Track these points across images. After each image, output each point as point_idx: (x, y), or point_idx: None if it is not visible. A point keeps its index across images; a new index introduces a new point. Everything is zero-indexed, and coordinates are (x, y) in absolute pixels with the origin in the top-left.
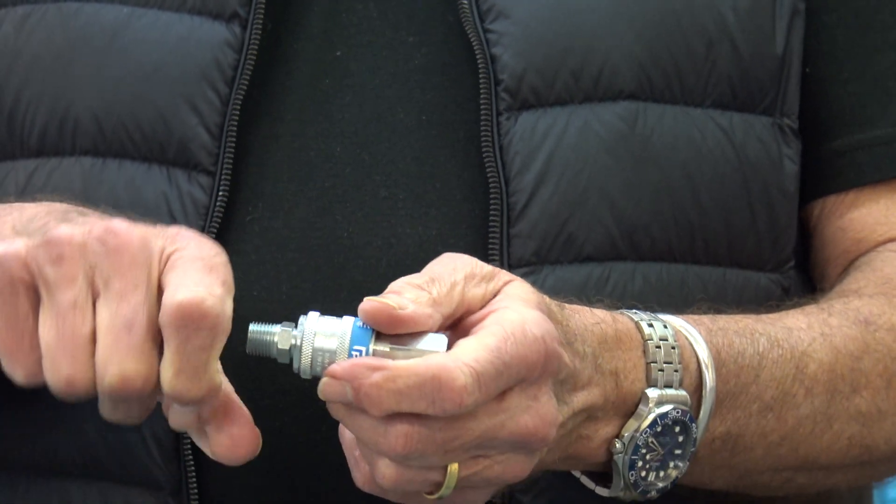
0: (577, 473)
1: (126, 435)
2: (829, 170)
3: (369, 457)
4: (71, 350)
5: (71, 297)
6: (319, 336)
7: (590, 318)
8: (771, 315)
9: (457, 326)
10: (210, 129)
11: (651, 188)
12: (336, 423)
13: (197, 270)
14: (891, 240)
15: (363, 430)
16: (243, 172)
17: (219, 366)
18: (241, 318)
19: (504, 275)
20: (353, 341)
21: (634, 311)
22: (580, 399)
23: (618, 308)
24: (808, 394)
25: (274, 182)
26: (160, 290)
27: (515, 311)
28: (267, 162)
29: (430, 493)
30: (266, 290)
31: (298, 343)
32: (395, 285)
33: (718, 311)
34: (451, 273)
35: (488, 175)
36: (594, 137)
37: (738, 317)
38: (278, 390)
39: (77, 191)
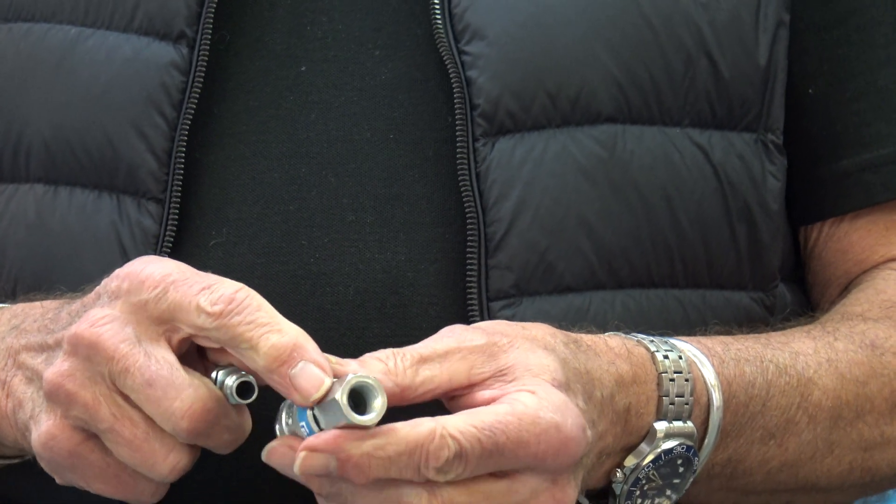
0: None
1: None
2: (835, 191)
3: None
4: (148, 451)
5: (107, 414)
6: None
7: (606, 357)
8: (779, 338)
9: (460, 399)
10: (158, 155)
11: (630, 213)
12: None
13: None
14: (891, 259)
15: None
16: (205, 195)
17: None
18: None
19: (510, 347)
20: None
21: (651, 338)
22: (595, 447)
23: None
24: (812, 421)
25: (238, 205)
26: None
27: (535, 393)
28: (230, 184)
29: None
30: None
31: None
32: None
33: (728, 333)
34: (428, 344)
35: (465, 204)
36: (572, 163)
37: (750, 341)
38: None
39: (31, 220)
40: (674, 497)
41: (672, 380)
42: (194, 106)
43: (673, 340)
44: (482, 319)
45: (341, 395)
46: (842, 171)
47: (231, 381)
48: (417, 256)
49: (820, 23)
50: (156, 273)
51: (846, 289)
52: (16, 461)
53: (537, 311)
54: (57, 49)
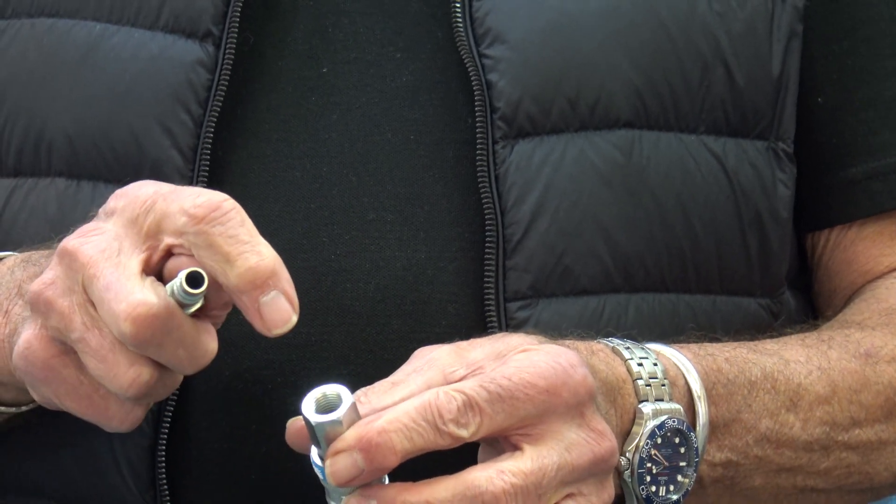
0: None
1: (100, 461)
2: (842, 199)
3: None
4: (112, 361)
5: (78, 323)
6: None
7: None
8: (768, 346)
9: None
10: (183, 151)
11: (645, 218)
12: None
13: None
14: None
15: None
16: (227, 192)
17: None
18: (228, 341)
19: (472, 346)
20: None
21: (609, 339)
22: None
23: (591, 338)
24: (805, 426)
25: (260, 202)
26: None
27: (524, 351)
28: (252, 182)
29: None
30: None
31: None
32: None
33: (712, 340)
34: (397, 371)
35: (484, 206)
36: (590, 168)
37: (732, 345)
38: (265, 416)
39: (52, 214)
40: (686, 479)
41: (640, 364)
42: (220, 104)
43: (639, 342)
44: (499, 320)
45: (308, 407)
46: (849, 178)
47: (180, 275)
48: (437, 255)
49: (829, 34)
50: (150, 189)
51: (850, 298)
52: (13, 411)
53: (553, 313)
54: (81, 45)
